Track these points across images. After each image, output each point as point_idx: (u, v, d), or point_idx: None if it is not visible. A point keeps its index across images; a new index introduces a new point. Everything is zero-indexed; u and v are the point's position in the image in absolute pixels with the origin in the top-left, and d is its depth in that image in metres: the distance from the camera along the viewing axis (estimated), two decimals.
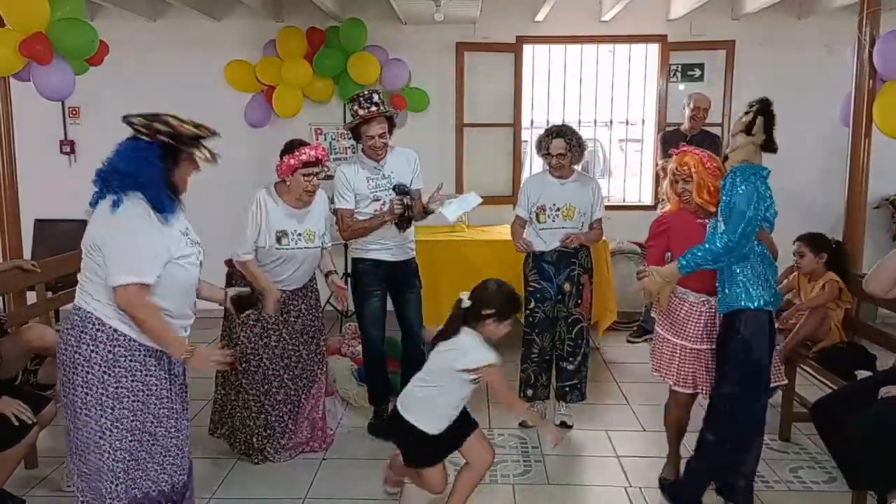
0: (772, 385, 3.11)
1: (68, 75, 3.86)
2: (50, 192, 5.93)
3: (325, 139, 5.96)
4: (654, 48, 6.20)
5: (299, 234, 3.50)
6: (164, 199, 2.37)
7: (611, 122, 6.57)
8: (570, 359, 3.99)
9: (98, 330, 2.36)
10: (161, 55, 6.03)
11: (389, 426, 3.13)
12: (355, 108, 3.66)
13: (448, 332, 2.85)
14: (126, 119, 2.38)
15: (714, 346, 3.12)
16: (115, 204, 2.32)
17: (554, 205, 3.88)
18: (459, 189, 6.21)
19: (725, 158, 3.08)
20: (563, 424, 4.01)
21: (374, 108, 3.62)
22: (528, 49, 6.24)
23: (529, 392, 4.05)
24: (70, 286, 4.56)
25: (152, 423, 2.45)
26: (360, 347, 4.71)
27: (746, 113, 3.04)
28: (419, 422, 2.85)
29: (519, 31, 6.14)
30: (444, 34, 6.01)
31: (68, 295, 4.39)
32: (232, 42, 6.05)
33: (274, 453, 3.62)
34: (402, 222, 3.74)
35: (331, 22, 5.91)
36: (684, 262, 2.96)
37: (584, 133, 6.53)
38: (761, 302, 2.93)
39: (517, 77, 6.24)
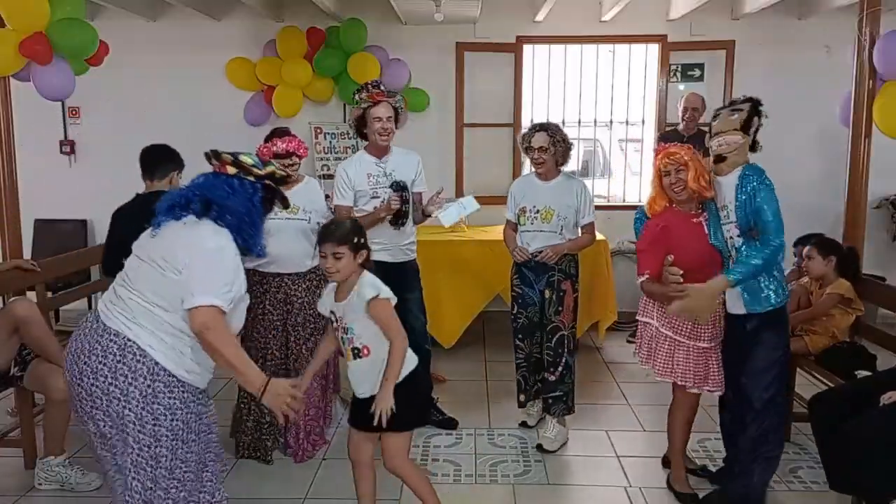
0: None
1: (68, 75, 3.86)
2: (50, 192, 5.94)
3: (326, 139, 5.96)
4: (654, 48, 6.20)
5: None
6: (260, 241, 2.33)
7: (611, 122, 6.56)
8: (551, 369, 3.78)
9: (138, 361, 2.14)
10: (161, 55, 6.03)
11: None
12: (362, 94, 3.69)
13: None
14: (236, 160, 2.29)
15: (713, 344, 3.10)
16: (203, 225, 2.22)
17: (534, 206, 3.76)
18: (459, 192, 6.22)
19: (722, 158, 2.98)
20: (540, 448, 3.77)
21: (380, 91, 3.69)
22: (528, 49, 6.24)
23: (521, 398, 4.00)
24: (70, 286, 4.61)
25: (186, 465, 2.23)
26: None
27: (734, 110, 2.96)
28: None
29: (519, 31, 6.13)
30: (444, 34, 6.01)
31: (68, 295, 4.41)
32: (232, 42, 6.05)
33: (280, 450, 3.64)
34: (396, 219, 3.73)
35: (331, 22, 5.91)
36: (737, 276, 2.84)
37: (584, 133, 6.62)
38: (787, 294, 3.02)
39: (517, 77, 6.24)
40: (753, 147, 3.02)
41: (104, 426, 2.17)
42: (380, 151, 3.80)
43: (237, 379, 2.29)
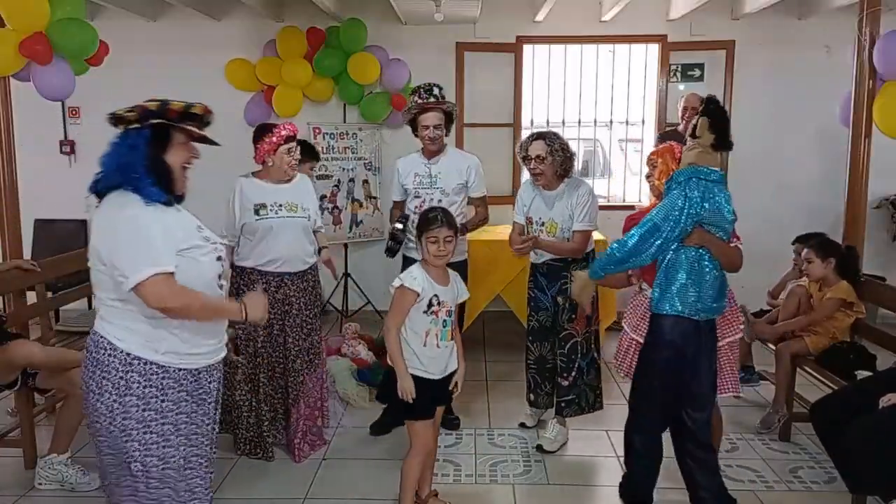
0: (721, 394, 3.10)
1: (68, 75, 3.86)
2: (50, 192, 5.94)
3: (325, 139, 5.96)
4: (654, 48, 6.20)
5: (279, 205, 3.52)
6: (148, 186, 2.12)
7: (611, 122, 6.57)
8: (565, 374, 3.75)
9: (109, 355, 2.15)
10: (161, 55, 6.03)
11: (386, 385, 3.06)
12: (414, 98, 3.72)
13: None
14: (111, 114, 2.21)
15: None
16: (106, 203, 2.15)
17: (539, 219, 3.71)
18: None
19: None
20: (540, 448, 3.77)
21: (431, 99, 3.69)
22: (528, 49, 6.24)
23: (532, 397, 4.00)
24: (70, 286, 4.61)
25: (169, 455, 2.21)
26: (360, 347, 4.71)
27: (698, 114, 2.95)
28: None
29: (519, 31, 6.14)
30: (444, 34, 6.01)
31: (68, 295, 4.41)
32: (232, 42, 6.06)
33: (275, 445, 3.64)
34: (388, 251, 3.75)
35: (331, 22, 5.91)
36: (593, 267, 3.00)
37: (584, 133, 6.62)
38: (680, 309, 2.83)
39: (517, 77, 6.24)
40: (724, 145, 2.88)
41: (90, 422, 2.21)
42: (430, 153, 3.83)
43: (221, 321, 2.32)
